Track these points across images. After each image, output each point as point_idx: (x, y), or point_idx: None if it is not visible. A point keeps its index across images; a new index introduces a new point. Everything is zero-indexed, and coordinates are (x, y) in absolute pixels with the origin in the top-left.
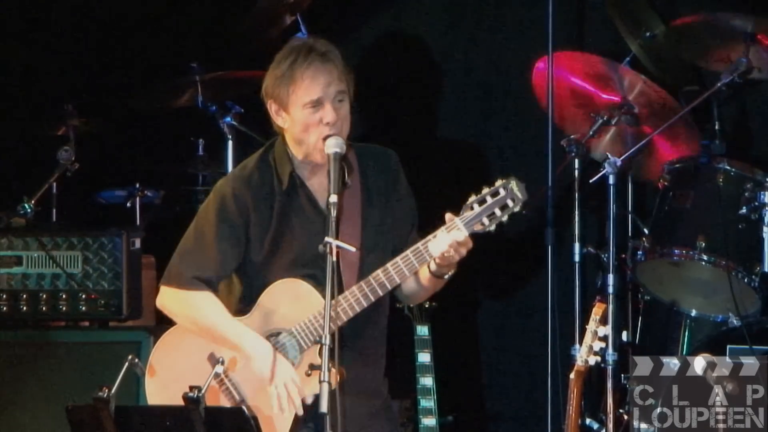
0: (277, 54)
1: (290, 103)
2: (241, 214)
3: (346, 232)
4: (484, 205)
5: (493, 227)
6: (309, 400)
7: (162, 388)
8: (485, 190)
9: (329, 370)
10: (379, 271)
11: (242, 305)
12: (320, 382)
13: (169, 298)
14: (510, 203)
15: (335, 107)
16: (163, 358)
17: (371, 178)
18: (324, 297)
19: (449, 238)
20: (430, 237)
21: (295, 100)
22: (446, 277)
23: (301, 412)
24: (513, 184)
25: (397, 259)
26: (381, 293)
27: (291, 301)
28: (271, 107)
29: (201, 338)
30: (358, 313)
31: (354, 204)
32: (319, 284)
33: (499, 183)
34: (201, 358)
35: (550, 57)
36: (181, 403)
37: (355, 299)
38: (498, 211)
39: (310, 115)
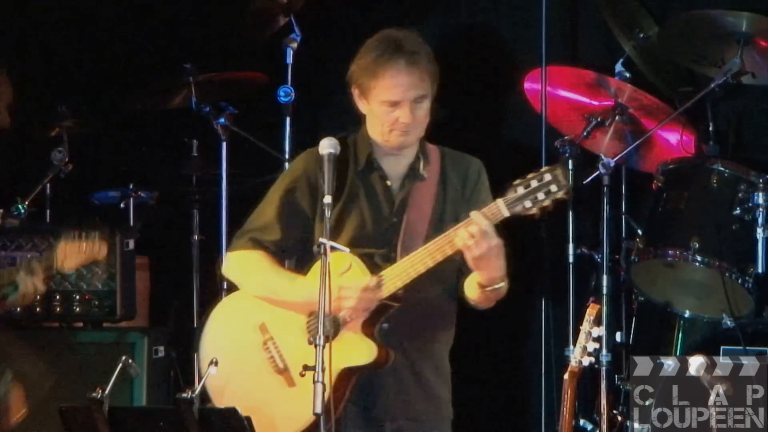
0: (369, 40)
1: (371, 96)
2: (309, 189)
3: (413, 222)
4: (528, 189)
5: (534, 210)
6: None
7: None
8: (530, 175)
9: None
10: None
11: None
12: (314, 382)
13: (229, 262)
14: (554, 188)
15: (412, 109)
16: (212, 332)
17: (450, 177)
18: (371, 274)
19: (467, 227)
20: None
21: (375, 94)
22: (496, 287)
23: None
24: (558, 171)
25: (431, 242)
26: (414, 275)
27: (335, 276)
28: (354, 92)
29: (251, 307)
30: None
31: (427, 197)
32: (374, 264)
33: (544, 169)
34: (246, 329)
35: (543, 56)
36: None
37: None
38: (541, 195)
39: (387, 113)
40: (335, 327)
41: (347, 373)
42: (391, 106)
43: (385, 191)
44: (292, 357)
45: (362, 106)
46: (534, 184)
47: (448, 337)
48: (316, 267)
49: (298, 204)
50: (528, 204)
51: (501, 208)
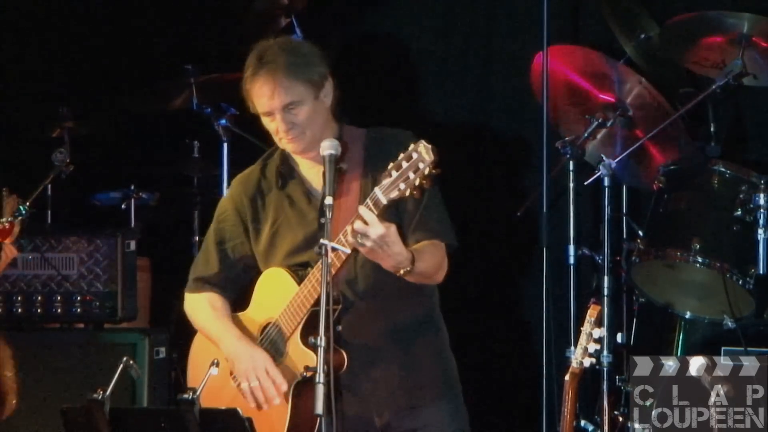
0: None
1: (256, 111)
2: (238, 212)
3: (342, 217)
4: (400, 170)
5: (410, 191)
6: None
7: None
8: (401, 155)
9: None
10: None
11: None
12: (315, 383)
13: (184, 303)
14: (421, 165)
15: (285, 117)
16: (193, 357)
17: (376, 158)
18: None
19: (354, 225)
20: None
21: (254, 109)
22: (406, 271)
23: (282, 393)
24: (422, 147)
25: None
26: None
27: (273, 290)
28: None
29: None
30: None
31: (352, 187)
32: (306, 273)
33: (411, 147)
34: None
35: (545, 52)
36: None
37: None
38: (411, 175)
39: (268, 124)
40: (280, 347)
41: (300, 387)
42: (267, 116)
43: (305, 196)
44: None
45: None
46: (404, 165)
47: (418, 322)
48: (257, 288)
49: (228, 234)
50: (402, 186)
51: (378, 196)
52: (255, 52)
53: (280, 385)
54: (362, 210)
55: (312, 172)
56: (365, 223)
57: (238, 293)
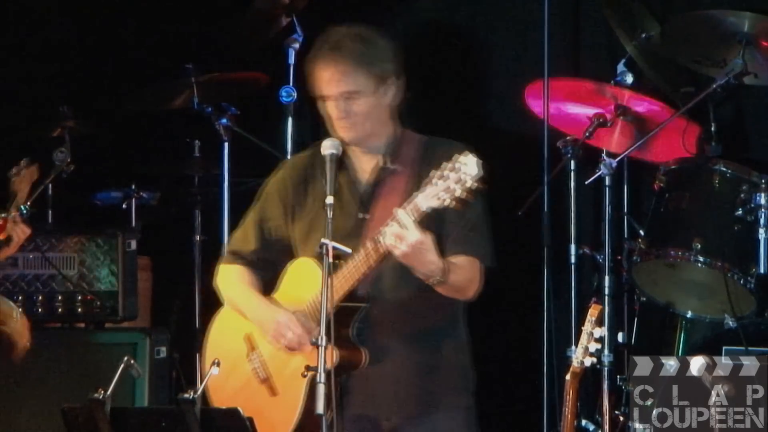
0: None
1: (314, 93)
2: (280, 194)
3: (382, 217)
4: (445, 180)
5: (450, 202)
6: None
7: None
8: (447, 165)
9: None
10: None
11: None
12: (316, 383)
13: (216, 275)
14: (465, 178)
15: (341, 105)
16: (211, 339)
17: (429, 166)
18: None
19: (391, 227)
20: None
21: (312, 90)
22: (436, 281)
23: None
24: (468, 159)
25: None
26: (352, 283)
27: (302, 280)
28: None
29: (238, 319)
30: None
31: (398, 189)
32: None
33: (457, 157)
34: (237, 339)
35: (545, 52)
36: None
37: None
38: (454, 186)
39: (323, 109)
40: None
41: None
42: (323, 100)
43: (351, 188)
44: (272, 367)
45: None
46: (448, 174)
47: (440, 327)
48: (286, 275)
49: (269, 214)
50: (443, 195)
51: (418, 202)
52: (324, 35)
53: (307, 333)
54: (400, 213)
55: (361, 164)
56: (403, 226)
57: (270, 275)
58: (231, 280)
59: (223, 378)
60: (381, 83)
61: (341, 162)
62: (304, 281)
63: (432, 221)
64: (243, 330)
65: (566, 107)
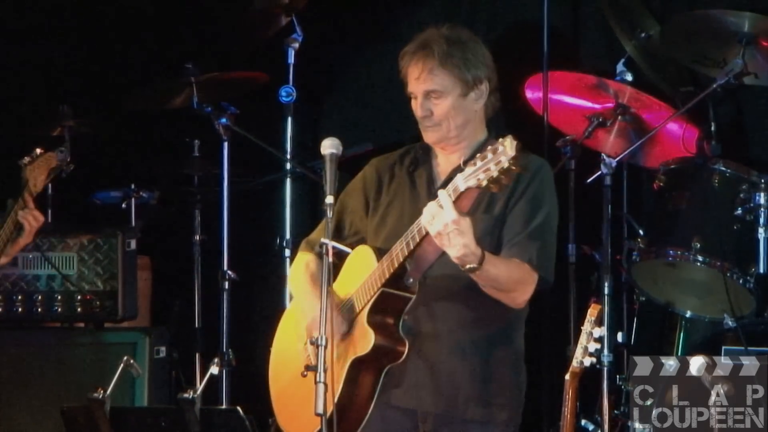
0: None
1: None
2: (364, 187)
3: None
4: (485, 160)
5: (487, 183)
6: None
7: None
8: (488, 147)
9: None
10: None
11: None
12: (316, 383)
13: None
14: (502, 159)
15: (425, 103)
16: (280, 327)
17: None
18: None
19: (429, 207)
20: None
21: (405, 89)
22: (469, 268)
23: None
24: (507, 140)
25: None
26: (396, 265)
27: (357, 267)
28: None
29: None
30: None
31: (471, 193)
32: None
33: (498, 140)
34: (298, 329)
35: (545, 51)
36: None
37: (379, 272)
38: (492, 167)
39: (413, 104)
40: (349, 320)
41: (357, 365)
42: (411, 98)
43: (427, 183)
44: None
45: None
46: (489, 155)
47: (491, 332)
48: (345, 264)
49: (349, 207)
50: (481, 176)
51: (458, 182)
52: (422, 33)
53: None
54: (441, 193)
55: (445, 165)
56: (440, 205)
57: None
58: (298, 269)
59: (281, 368)
60: (469, 87)
61: (425, 160)
62: (359, 267)
63: (497, 225)
64: (303, 321)
65: (566, 100)
